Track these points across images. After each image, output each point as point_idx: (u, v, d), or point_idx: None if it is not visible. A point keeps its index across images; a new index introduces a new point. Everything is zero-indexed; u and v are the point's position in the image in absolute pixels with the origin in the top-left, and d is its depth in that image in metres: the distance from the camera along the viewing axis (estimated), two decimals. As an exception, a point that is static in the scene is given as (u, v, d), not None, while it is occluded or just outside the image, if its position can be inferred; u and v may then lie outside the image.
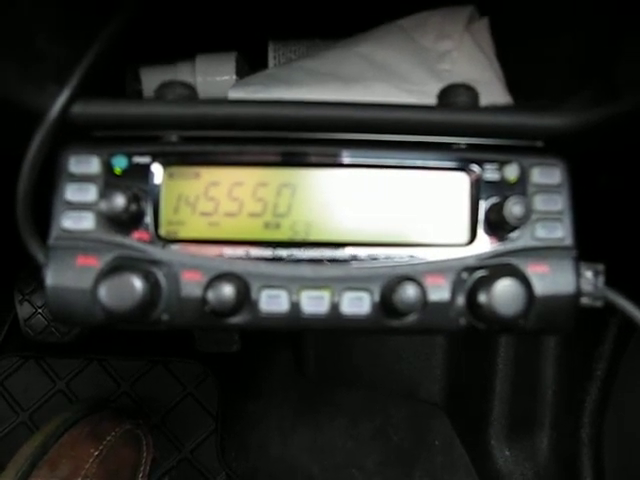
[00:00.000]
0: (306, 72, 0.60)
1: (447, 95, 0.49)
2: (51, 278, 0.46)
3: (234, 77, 0.67)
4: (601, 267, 0.48)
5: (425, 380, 1.06)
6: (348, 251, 0.47)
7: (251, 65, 0.69)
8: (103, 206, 0.44)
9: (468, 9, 0.61)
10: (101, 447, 0.94)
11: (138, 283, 0.43)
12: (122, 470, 0.96)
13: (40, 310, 1.11)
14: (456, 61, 0.59)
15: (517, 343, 0.94)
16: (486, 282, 0.45)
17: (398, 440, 1.06)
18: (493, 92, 0.56)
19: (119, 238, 0.46)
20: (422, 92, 0.56)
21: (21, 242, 0.47)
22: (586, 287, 0.48)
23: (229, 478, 1.07)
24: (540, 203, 0.47)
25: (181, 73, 0.68)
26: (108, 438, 0.96)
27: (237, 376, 1.14)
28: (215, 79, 0.67)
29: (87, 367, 1.12)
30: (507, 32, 0.59)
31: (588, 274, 0.48)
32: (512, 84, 0.58)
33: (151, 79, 0.69)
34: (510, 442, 0.94)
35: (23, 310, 1.10)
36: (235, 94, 0.57)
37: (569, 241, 0.47)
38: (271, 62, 0.68)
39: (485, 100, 0.49)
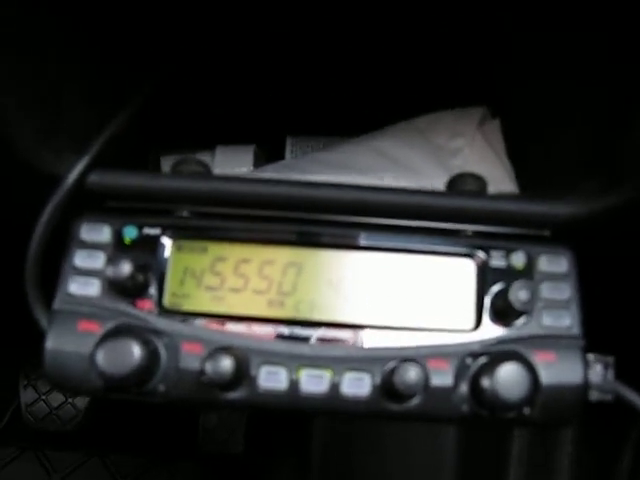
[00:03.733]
0: (320, 163, 0.61)
1: (455, 183, 0.50)
2: (51, 341, 0.46)
3: (251, 169, 0.69)
4: (611, 359, 0.47)
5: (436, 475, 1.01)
6: (351, 332, 0.46)
7: (269, 158, 0.71)
8: (109, 272, 0.45)
9: (480, 110, 0.64)
10: None
11: (137, 349, 0.43)
12: None
13: (44, 397, 1.09)
14: (467, 158, 0.61)
15: (528, 462, 0.91)
16: (490, 367, 0.44)
17: None
18: (502, 185, 0.57)
19: (122, 306, 0.46)
20: (432, 185, 0.57)
21: (27, 312, 0.47)
22: (595, 379, 0.46)
23: None
24: (547, 291, 0.47)
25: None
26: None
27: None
28: (233, 170, 0.69)
29: (86, 462, 1.09)
30: (517, 131, 0.61)
31: (597, 366, 0.47)
32: (521, 179, 0.59)
33: (171, 165, 0.71)
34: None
35: (26, 395, 1.09)
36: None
37: (576, 330, 0.46)
38: (288, 156, 0.70)
39: (493, 190, 0.50)
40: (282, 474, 1.09)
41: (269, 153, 0.71)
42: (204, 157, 0.70)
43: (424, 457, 1.00)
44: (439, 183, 0.56)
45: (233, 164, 0.70)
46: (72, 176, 0.46)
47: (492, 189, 0.51)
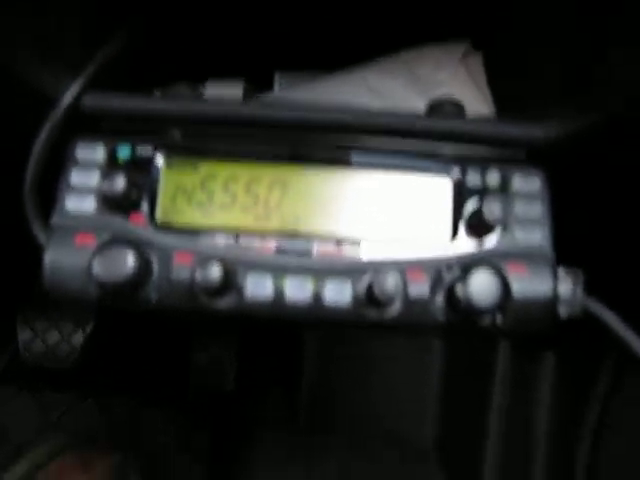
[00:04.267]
0: (305, 92, 0.63)
1: (435, 107, 0.52)
2: (50, 256, 0.48)
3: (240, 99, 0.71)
4: (580, 273, 0.50)
5: (417, 426, 1.05)
6: (333, 244, 0.49)
7: (258, 92, 0.72)
8: (104, 187, 0.47)
9: (464, 43, 0.65)
10: (87, 479, 0.93)
11: (130, 258, 0.45)
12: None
13: (40, 335, 1.12)
14: (450, 90, 0.63)
15: (511, 391, 0.94)
16: (464, 276, 0.46)
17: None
18: (480, 109, 0.59)
19: (117, 220, 0.49)
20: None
21: (24, 242, 0.49)
22: (564, 293, 0.49)
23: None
24: (520, 208, 0.50)
25: (191, 97, 0.72)
26: (96, 470, 0.95)
27: (229, 419, 1.13)
28: (223, 104, 0.71)
29: (80, 402, 1.12)
30: (498, 63, 0.62)
31: (567, 280, 0.49)
32: (500, 110, 0.61)
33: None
34: (504, 478, 0.93)
35: (24, 334, 1.11)
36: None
37: (547, 246, 0.49)
38: (277, 90, 0.71)
39: (470, 110, 0.52)
40: (272, 410, 1.12)
41: (259, 87, 0.73)
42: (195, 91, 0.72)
43: (410, 378, 1.04)
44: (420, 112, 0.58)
45: (223, 95, 0.72)
46: (67, 97, 0.48)
47: (471, 114, 0.53)
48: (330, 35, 0.68)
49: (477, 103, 0.62)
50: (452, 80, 0.63)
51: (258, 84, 0.72)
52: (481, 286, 0.45)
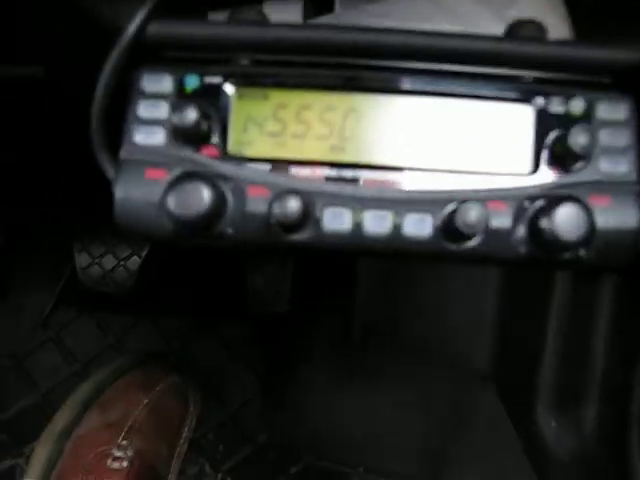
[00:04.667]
0: (371, 15, 0.60)
1: (515, 30, 0.49)
2: (120, 191, 0.47)
3: (301, 22, 0.68)
4: None
5: (472, 349, 1.06)
6: (412, 175, 0.48)
7: (317, 11, 0.69)
8: (175, 119, 0.46)
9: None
10: (150, 396, 0.96)
11: (206, 192, 0.44)
12: (169, 420, 0.98)
13: (97, 260, 1.14)
14: (524, 8, 0.59)
15: (569, 314, 0.94)
16: (548, 209, 0.45)
17: (442, 409, 1.06)
18: (560, 32, 0.56)
19: (188, 153, 0.48)
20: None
21: (83, 172, 0.48)
22: (650, 222, 0.47)
23: (271, 439, 1.08)
24: (605, 137, 0.47)
25: (249, 16, 0.69)
26: (157, 388, 0.98)
27: (284, 340, 1.15)
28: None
29: (139, 324, 1.15)
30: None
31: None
32: (579, 28, 0.57)
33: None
34: (557, 413, 0.93)
35: (81, 259, 1.14)
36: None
37: (633, 176, 0.47)
38: (338, 7, 0.68)
39: (552, 32, 0.49)
40: (328, 332, 1.14)
41: (319, 6, 0.70)
42: (252, 11, 0.69)
43: (466, 302, 1.04)
44: (495, 32, 0.55)
45: (282, 16, 0.69)
46: (132, 26, 0.46)
47: (551, 32, 0.50)
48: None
49: (554, 19, 0.58)
50: (527, -4, 0.60)
51: (318, 2, 0.70)
52: (566, 220, 0.44)
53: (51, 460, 0.87)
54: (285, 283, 1.13)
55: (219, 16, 0.67)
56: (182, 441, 1.01)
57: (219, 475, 1.05)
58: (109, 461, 0.86)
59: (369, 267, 1.09)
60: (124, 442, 0.88)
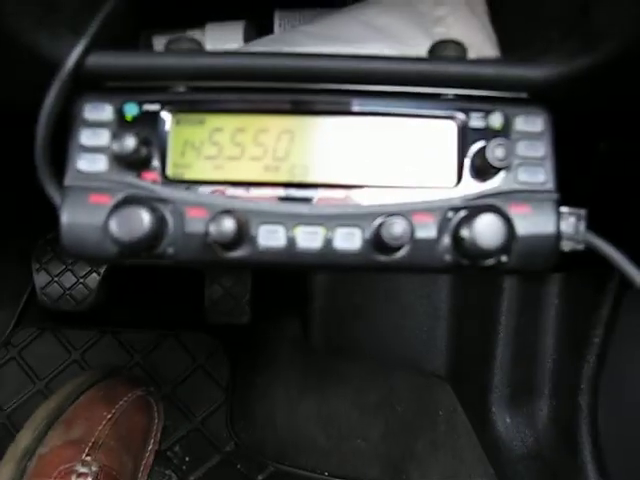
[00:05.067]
0: (307, 35, 0.63)
1: (437, 50, 0.52)
2: (66, 216, 0.49)
3: (242, 44, 0.71)
4: (583, 212, 0.51)
5: (428, 351, 1.09)
6: (342, 192, 0.50)
7: (258, 34, 0.72)
8: (115, 147, 0.48)
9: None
10: (114, 410, 0.97)
11: (146, 216, 0.47)
12: (133, 434, 0.99)
13: (56, 279, 1.15)
14: (450, 26, 0.62)
15: (518, 313, 0.97)
16: (469, 219, 0.48)
17: (402, 411, 1.09)
18: (484, 51, 0.59)
19: (129, 178, 0.50)
20: (415, 52, 0.59)
21: (36, 196, 0.50)
22: (567, 229, 0.50)
23: (238, 448, 1.10)
24: (523, 149, 0.50)
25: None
26: (121, 402, 0.99)
27: (246, 347, 1.17)
28: (224, 46, 0.71)
29: (101, 339, 1.16)
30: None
31: (570, 218, 0.51)
32: (503, 45, 0.61)
33: (163, 45, 0.72)
34: (511, 410, 0.97)
35: (40, 279, 1.15)
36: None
37: (550, 185, 0.50)
38: (277, 30, 0.71)
39: (472, 51, 0.52)
40: (289, 340, 1.16)
41: (259, 28, 0.73)
42: (195, 35, 0.72)
43: (420, 305, 1.07)
44: (421, 51, 0.58)
45: (224, 40, 0.72)
46: (72, 59, 0.48)
47: (474, 55, 0.53)
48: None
49: (478, 38, 0.62)
50: (453, 15, 0.63)
51: (258, 24, 0.72)
52: (486, 228, 0.46)
53: (14, 480, 0.87)
54: (244, 293, 1.15)
55: (163, 40, 0.69)
56: (147, 454, 1.03)
57: (186, 486, 1.07)
58: (73, 477, 0.87)
59: (327, 276, 1.12)
60: (88, 458, 0.90)
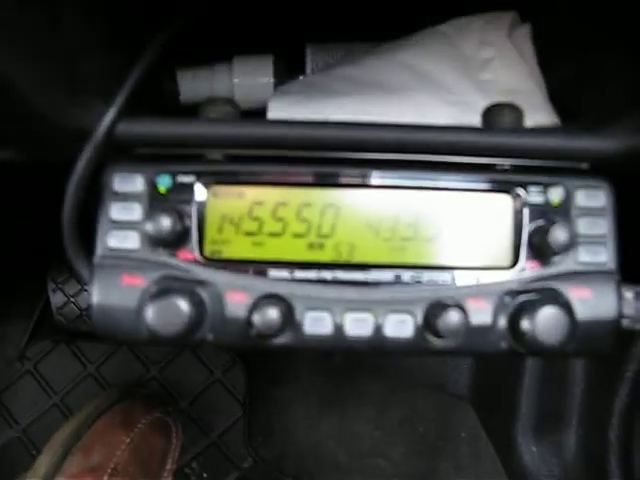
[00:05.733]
0: (346, 81, 0.59)
1: (491, 114, 0.48)
2: (97, 296, 0.47)
3: (272, 80, 0.67)
4: None
5: (452, 372, 1.07)
6: (392, 273, 0.47)
7: (289, 67, 0.68)
8: (149, 227, 0.45)
9: (510, 15, 0.61)
10: (132, 434, 0.95)
11: (185, 306, 0.44)
12: (152, 457, 0.98)
13: (72, 299, 1.12)
14: (497, 70, 0.59)
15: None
16: (528, 309, 0.45)
17: (424, 431, 1.07)
18: (536, 105, 0.55)
19: (164, 258, 0.47)
20: (464, 103, 0.56)
21: (64, 255, 0.47)
22: (628, 310, 0.47)
23: (256, 463, 1.08)
24: (584, 227, 0.47)
25: (218, 75, 0.68)
26: (139, 426, 0.97)
27: (264, 362, 1.15)
28: (253, 81, 0.67)
29: (116, 352, 1.14)
30: (550, 40, 0.58)
31: (629, 296, 0.48)
32: (554, 95, 0.57)
33: (188, 80, 0.69)
34: (537, 438, 0.94)
35: (56, 298, 1.12)
36: (275, 105, 0.57)
37: (612, 265, 0.47)
38: (309, 65, 0.67)
39: (529, 117, 0.49)
40: (309, 355, 1.13)
41: (289, 62, 0.69)
42: (222, 70, 0.68)
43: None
44: (470, 101, 0.55)
45: (252, 75, 0.68)
46: (102, 128, 0.45)
47: (526, 109, 0.49)
48: (362, 3, 0.64)
49: (526, 84, 0.58)
50: (499, 58, 0.59)
51: (288, 58, 0.68)
52: (548, 324, 0.44)
53: (35, 509, 0.86)
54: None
55: (188, 76, 0.65)
56: (166, 474, 1.01)
57: (205, 503, 1.05)
58: (93, 507, 0.85)
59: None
60: (107, 486, 0.88)
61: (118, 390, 1.02)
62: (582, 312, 0.46)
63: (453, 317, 0.44)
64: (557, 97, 0.56)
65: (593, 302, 0.46)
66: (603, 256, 0.47)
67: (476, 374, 1.05)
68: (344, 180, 0.48)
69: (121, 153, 0.48)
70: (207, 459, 1.09)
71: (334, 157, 0.48)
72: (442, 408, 1.07)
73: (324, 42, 0.67)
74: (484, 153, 0.47)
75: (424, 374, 1.08)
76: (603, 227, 0.47)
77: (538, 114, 0.54)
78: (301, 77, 0.65)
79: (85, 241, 0.48)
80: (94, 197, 0.48)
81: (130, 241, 0.47)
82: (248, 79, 0.67)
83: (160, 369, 1.13)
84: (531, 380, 0.93)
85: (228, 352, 1.14)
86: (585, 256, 0.47)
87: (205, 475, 1.08)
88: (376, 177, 0.48)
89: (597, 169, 0.48)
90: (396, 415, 1.08)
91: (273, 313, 0.44)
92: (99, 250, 0.47)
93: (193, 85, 0.68)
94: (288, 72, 0.67)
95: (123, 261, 0.47)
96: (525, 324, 0.44)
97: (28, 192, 0.71)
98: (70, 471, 0.90)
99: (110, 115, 0.45)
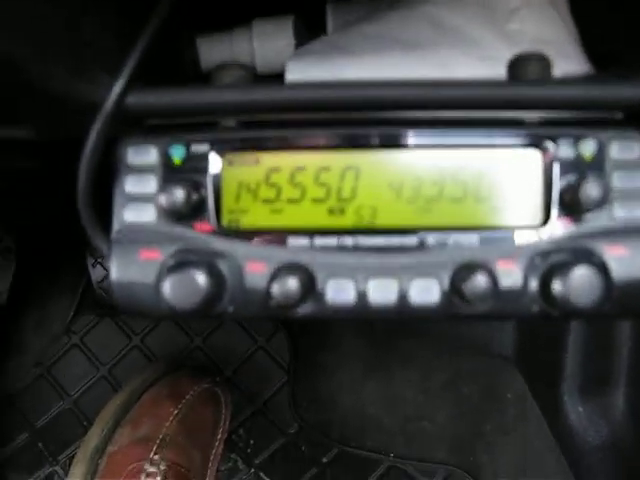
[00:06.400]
0: (367, 38, 0.57)
1: (517, 65, 0.46)
2: (115, 272, 0.46)
3: (293, 41, 0.65)
4: None
5: (497, 333, 1.05)
6: (415, 237, 0.45)
7: (309, 28, 0.66)
8: (162, 200, 0.44)
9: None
10: (180, 406, 0.96)
11: (202, 279, 0.43)
12: (201, 428, 0.99)
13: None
14: (525, 19, 0.55)
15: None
16: (560, 270, 0.42)
17: (469, 393, 1.05)
18: (566, 54, 0.52)
19: (181, 230, 0.46)
20: (492, 58, 0.53)
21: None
22: (670, 267, 0.45)
23: (301, 429, 1.09)
24: (619, 181, 0.44)
25: (238, 39, 0.66)
26: (187, 397, 0.98)
27: (308, 328, 1.15)
28: (273, 43, 0.65)
29: (160, 323, 1.15)
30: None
31: (672, 252, 0.45)
32: (587, 45, 0.54)
33: (208, 46, 0.67)
34: (584, 399, 0.92)
35: (96, 273, 1.13)
36: (293, 68, 0.55)
37: None
38: (330, 24, 0.65)
39: (559, 67, 0.45)
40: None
41: (310, 23, 0.66)
42: (242, 34, 0.66)
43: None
44: (498, 55, 0.52)
45: (273, 38, 0.66)
46: (110, 100, 0.43)
47: (556, 59, 0.47)
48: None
49: (558, 35, 0.55)
50: (527, 6, 0.56)
51: (309, 20, 0.66)
52: (580, 284, 0.41)
53: (87, 479, 0.88)
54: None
55: (207, 42, 0.64)
56: (217, 443, 1.02)
57: (252, 470, 1.06)
58: (142, 477, 0.87)
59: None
60: (156, 457, 0.89)
61: (165, 363, 1.03)
62: (618, 271, 0.43)
63: (480, 280, 0.42)
64: (591, 45, 0.53)
65: (630, 260, 0.44)
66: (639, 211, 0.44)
67: (521, 335, 1.02)
68: (363, 141, 0.46)
69: (134, 125, 0.47)
70: (253, 426, 1.10)
71: (351, 118, 0.46)
72: (487, 370, 1.05)
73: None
74: (509, 106, 0.45)
75: (468, 337, 1.06)
76: (639, 180, 0.44)
77: (569, 63, 0.51)
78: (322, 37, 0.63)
79: (104, 216, 0.47)
80: (111, 172, 0.48)
81: (146, 214, 0.46)
82: (268, 42, 0.65)
83: (204, 339, 1.14)
84: (576, 340, 0.91)
85: (271, 320, 1.14)
86: (620, 212, 0.44)
87: (252, 442, 1.09)
88: (397, 136, 0.46)
89: (632, 119, 0.45)
90: (440, 378, 1.07)
91: (292, 283, 0.42)
92: (116, 225, 0.47)
93: (213, 51, 0.66)
94: (309, 33, 0.65)
95: (140, 235, 0.46)
96: (557, 285, 0.42)
97: (56, 171, 0.71)
98: (119, 442, 0.92)
99: (118, 87, 0.43)
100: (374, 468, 1.05)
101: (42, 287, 1.15)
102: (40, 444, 1.09)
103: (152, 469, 0.88)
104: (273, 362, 1.13)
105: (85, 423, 1.09)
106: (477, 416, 1.04)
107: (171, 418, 0.94)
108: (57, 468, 1.07)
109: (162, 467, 0.88)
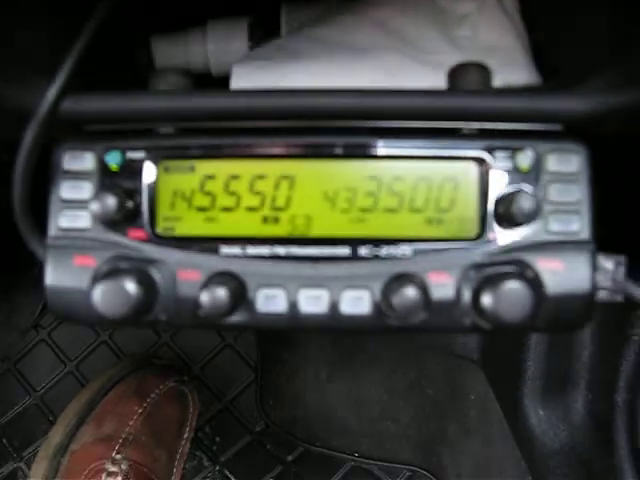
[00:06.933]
0: (316, 42, 0.57)
1: (457, 75, 0.45)
2: (50, 277, 0.46)
3: (247, 43, 0.64)
4: (622, 259, 0.45)
5: (461, 335, 1.05)
6: (348, 247, 0.45)
7: (265, 30, 0.65)
8: (96, 207, 0.44)
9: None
10: (145, 404, 0.96)
11: (132, 287, 0.42)
12: (167, 426, 0.98)
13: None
14: (476, 26, 0.55)
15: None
16: (492, 283, 0.42)
17: (433, 394, 1.06)
18: (513, 63, 0.52)
19: (115, 237, 0.46)
20: (437, 63, 0.52)
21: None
22: (604, 282, 0.45)
23: (267, 427, 1.09)
24: (555, 193, 0.44)
25: (192, 40, 0.66)
26: (152, 395, 0.97)
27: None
28: (227, 46, 0.65)
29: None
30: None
31: (607, 266, 0.45)
32: (537, 53, 0.53)
33: (162, 47, 0.66)
34: (544, 401, 0.92)
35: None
36: (239, 73, 0.54)
37: (586, 234, 0.44)
38: (284, 26, 0.64)
39: (503, 75, 0.45)
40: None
41: (265, 25, 0.66)
42: (196, 35, 0.65)
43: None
44: (444, 60, 0.51)
45: (227, 39, 0.65)
46: (44, 106, 0.43)
47: (501, 68, 0.46)
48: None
49: (509, 42, 0.54)
50: (478, 13, 0.55)
51: (263, 21, 0.65)
52: (510, 300, 0.41)
53: (48, 478, 0.87)
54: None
55: (162, 42, 0.63)
56: (183, 442, 1.01)
57: (217, 467, 1.06)
58: (103, 476, 0.86)
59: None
60: (118, 456, 0.88)
61: (133, 360, 1.03)
62: (552, 285, 0.43)
63: (409, 293, 0.42)
64: (540, 53, 0.52)
65: (564, 274, 0.44)
66: (576, 225, 0.44)
67: (485, 337, 1.02)
68: (299, 150, 0.46)
69: (71, 131, 0.46)
70: (220, 423, 1.10)
71: (287, 127, 0.45)
72: (451, 371, 1.05)
73: (299, 2, 0.64)
74: (446, 117, 0.44)
75: (433, 338, 1.06)
76: (576, 194, 0.44)
77: (514, 72, 0.50)
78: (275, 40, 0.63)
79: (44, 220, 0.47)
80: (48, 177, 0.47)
81: (81, 221, 0.46)
82: (223, 44, 0.65)
83: (172, 335, 1.14)
84: (538, 343, 0.91)
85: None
86: (556, 225, 0.44)
87: (217, 439, 1.09)
88: (332, 146, 0.45)
89: (572, 132, 0.45)
90: (405, 379, 1.07)
91: (221, 292, 0.42)
92: (52, 230, 0.46)
93: (168, 53, 0.66)
94: (265, 35, 0.65)
95: (75, 241, 0.46)
96: (487, 299, 0.42)
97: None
98: (82, 440, 0.91)
99: (52, 93, 0.43)
100: (339, 467, 1.05)
101: (9, 282, 1.14)
102: (4, 440, 1.09)
103: (114, 468, 0.87)
104: (241, 360, 1.13)
105: (51, 419, 1.09)
106: (441, 417, 1.04)
107: (135, 417, 0.94)
108: (21, 464, 1.07)
109: (124, 467, 0.88)
